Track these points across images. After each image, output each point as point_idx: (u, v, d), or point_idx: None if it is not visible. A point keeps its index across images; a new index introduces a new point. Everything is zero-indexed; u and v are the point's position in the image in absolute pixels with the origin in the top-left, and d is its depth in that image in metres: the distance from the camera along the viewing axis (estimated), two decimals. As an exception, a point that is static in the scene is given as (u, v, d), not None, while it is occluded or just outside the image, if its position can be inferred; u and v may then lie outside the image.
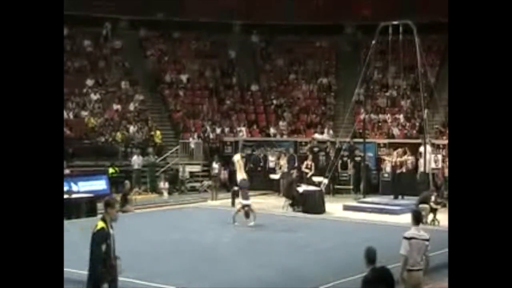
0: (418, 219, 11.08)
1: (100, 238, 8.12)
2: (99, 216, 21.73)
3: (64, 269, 7.29)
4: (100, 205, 22.70)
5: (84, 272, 11.93)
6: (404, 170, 25.51)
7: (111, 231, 8.42)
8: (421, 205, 19.92)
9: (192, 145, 31.58)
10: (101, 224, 8.24)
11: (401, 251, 10.28)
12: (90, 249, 8.21)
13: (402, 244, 10.31)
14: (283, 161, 28.95)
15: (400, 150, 25.94)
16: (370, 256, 8.77)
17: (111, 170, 27.83)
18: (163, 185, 28.07)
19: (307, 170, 27.62)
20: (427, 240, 10.44)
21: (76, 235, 12.95)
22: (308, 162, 28.00)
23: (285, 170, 28.46)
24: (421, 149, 25.86)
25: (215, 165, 28.33)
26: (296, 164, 28.26)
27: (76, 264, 10.93)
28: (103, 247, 8.05)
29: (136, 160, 28.89)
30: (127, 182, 23.98)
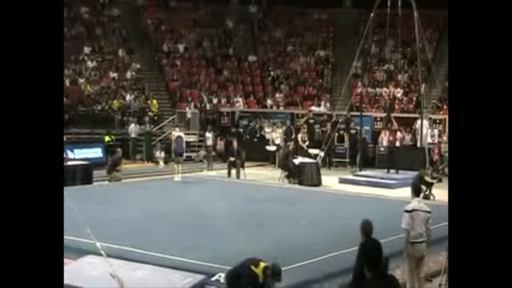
0: (417, 190, 11.09)
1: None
2: (95, 183, 21.88)
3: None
4: (96, 173, 22.77)
5: (79, 239, 12.07)
6: (398, 143, 25.48)
7: None
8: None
9: (189, 115, 31.50)
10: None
11: (402, 225, 10.27)
12: None
13: (403, 218, 10.29)
14: (276, 134, 28.91)
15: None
16: (366, 229, 8.80)
17: (107, 138, 27.81)
18: (159, 154, 28.10)
19: (301, 143, 27.58)
20: (429, 212, 10.43)
21: (72, 202, 12.89)
22: (301, 134, 27.98)
23: (278, 142, 28.47)
24: (418, 123, 25.89)
25: (208, 135, 28.24)
26: (293, 136, 28.26)
27: (72, 231, 10.95)
28: None
29: (133, 129, 28.88)
30: (119, 150, 23.99)
